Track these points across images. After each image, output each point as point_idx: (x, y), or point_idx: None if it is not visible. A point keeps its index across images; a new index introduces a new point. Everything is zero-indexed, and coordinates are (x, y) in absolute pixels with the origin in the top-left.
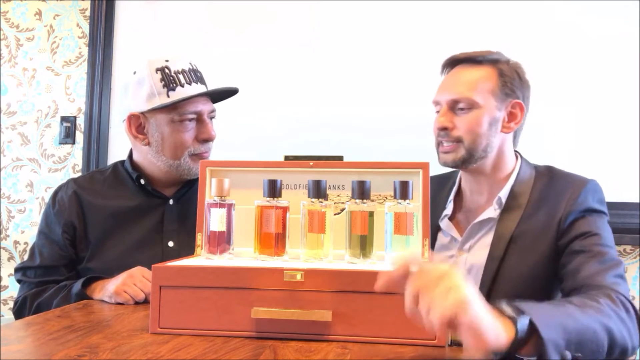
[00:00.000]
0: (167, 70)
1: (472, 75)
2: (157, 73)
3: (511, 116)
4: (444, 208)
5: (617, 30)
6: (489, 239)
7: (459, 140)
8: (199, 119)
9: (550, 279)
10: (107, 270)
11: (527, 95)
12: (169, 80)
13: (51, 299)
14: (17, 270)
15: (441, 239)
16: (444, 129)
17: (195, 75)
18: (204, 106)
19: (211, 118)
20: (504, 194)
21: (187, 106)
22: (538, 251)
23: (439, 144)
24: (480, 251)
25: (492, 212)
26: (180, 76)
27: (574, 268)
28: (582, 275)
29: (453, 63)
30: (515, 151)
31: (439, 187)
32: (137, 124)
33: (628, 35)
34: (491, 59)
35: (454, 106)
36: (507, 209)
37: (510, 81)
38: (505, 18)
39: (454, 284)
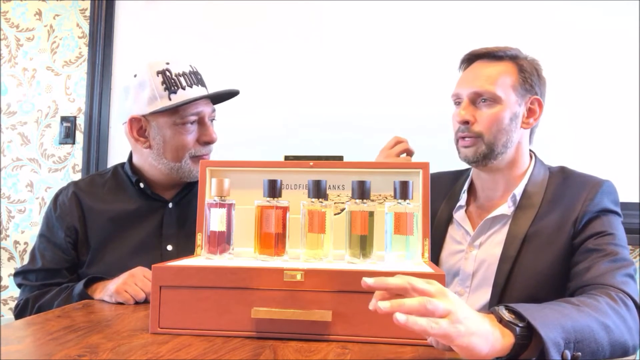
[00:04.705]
0: (168, 73)
1: (493, 70)
2: (158, 76)
3: (530, 112)
4: (456, 199)
5: (617, 31)
6: (500, 236)
7: (479, 135)
8: (201, 122)
9: (564, 279)
10: (107, 275)
11: (544, 92)
12: (170, 83)
13: (52, 300)
14: (17, 274)
15: (452, 231)
16: (465, 122)
17: (195, 78)
18: (205, 108)
19: (212, 120)
20: (518, 191)
21: (189, 109)
22: (552, 250)
23: (458, 139)
24: (490, 248)
25: (506, 209)
26: (182, 79)
27: (585, 267)
28: (591, 274)
29: (472, 58)
30: (530, 150)
31: (455, 180)
32: (139, 127)
33: (627, 35)
34: (511, 55)
35: (475, 100)
36: (521, 207)
37: (530, 77)
38: (506, 18)
39: (445, 299)
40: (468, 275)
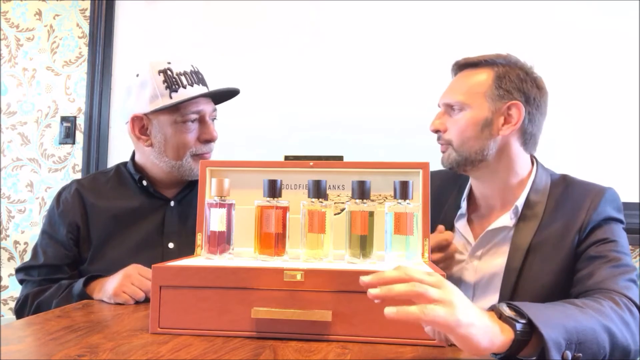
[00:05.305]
0: (169, 72)
1: (468, 79)
2: (159, 75)
3: (509, 118)
4: (457, 206)
5: (617, 31)
6: (502, 247)
7: (449, 143)
8: (201, 120)
9: (569, 288)
10: (108, 272)
11: (535, 96)
12: (171, 82)
13: (51, 298)
14: (19, 270)
15: (454, 240)
16: (436, 131)
17: (197, 77)
18: (206, 107)
19: (213, 119)
20: (520, 202)
21: (189, 107)
22: (557, 260)
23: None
24: (492, 260)
25: (508, 220)
26: (183, 78)
27: (588, 273)
28: (594, 280)
29: (459, 68)
30: (533, 156)
31: (451, 182)
32: (140, 125)
33: (627, 35)
34: (488, 62)
35: (447, 109)
36: (523, 218)
37: (508, 83)
38: (506, 19)
39: (443, 289)
40: (469, 286)
